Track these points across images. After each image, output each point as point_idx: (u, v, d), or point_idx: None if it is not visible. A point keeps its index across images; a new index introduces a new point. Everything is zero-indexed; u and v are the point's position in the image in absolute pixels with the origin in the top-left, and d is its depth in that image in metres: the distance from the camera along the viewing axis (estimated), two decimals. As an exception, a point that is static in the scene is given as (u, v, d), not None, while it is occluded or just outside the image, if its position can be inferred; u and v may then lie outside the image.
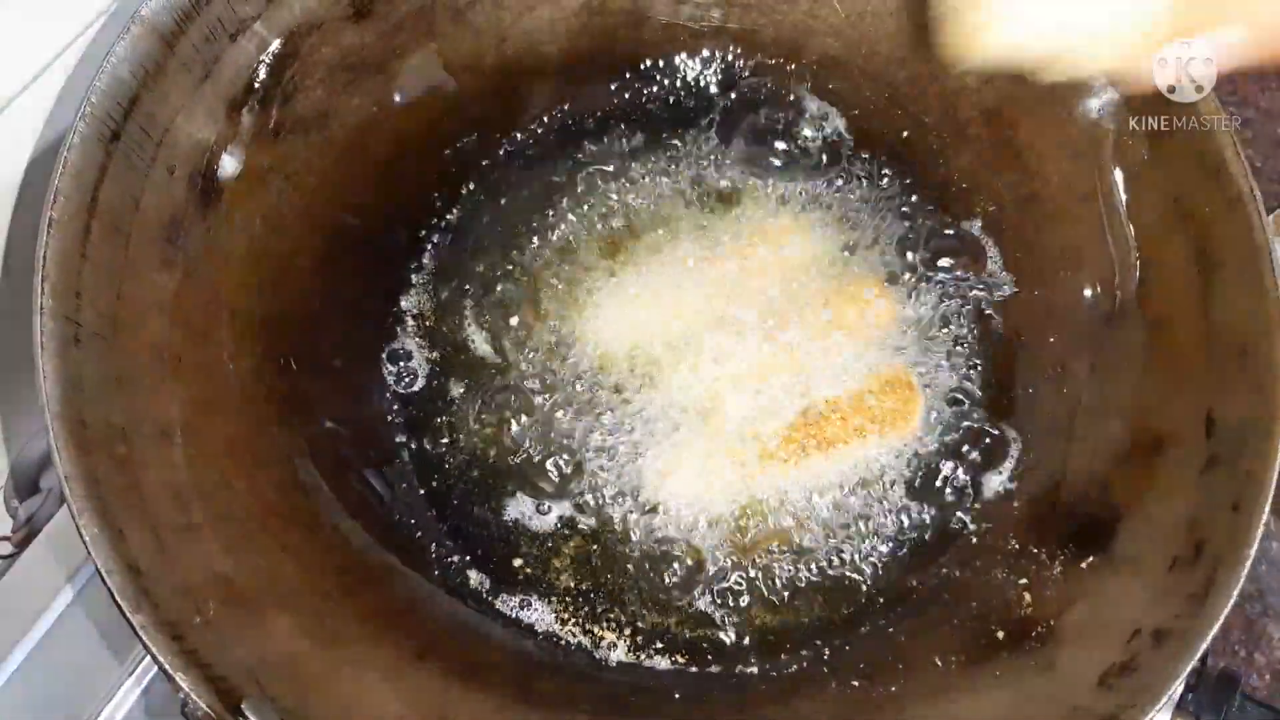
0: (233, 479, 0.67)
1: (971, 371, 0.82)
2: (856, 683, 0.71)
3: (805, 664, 0.73)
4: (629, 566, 0.76)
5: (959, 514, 0.77)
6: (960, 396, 0.81)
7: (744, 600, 0.75)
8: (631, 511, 0.77)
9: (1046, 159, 0.82)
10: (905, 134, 0.89)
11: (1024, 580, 0.72)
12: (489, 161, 0.89)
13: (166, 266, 0.67)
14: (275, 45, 0.74)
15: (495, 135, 0.89)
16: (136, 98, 0.65)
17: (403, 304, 0.84)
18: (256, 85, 0.73)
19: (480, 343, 0.83)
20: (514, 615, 0.74)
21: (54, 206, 0.60)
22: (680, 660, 0.74)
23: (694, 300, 0.83)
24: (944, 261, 0.85)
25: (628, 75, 0.92)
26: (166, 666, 0.54)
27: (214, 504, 0.64)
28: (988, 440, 0.80)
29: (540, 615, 0.75)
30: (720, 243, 0.85)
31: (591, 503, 0.78)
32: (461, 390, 0.82)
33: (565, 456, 0.79)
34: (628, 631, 0.74)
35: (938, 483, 0.78)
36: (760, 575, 0.76)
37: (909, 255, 0.86)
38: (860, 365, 0.81)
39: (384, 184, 0.86)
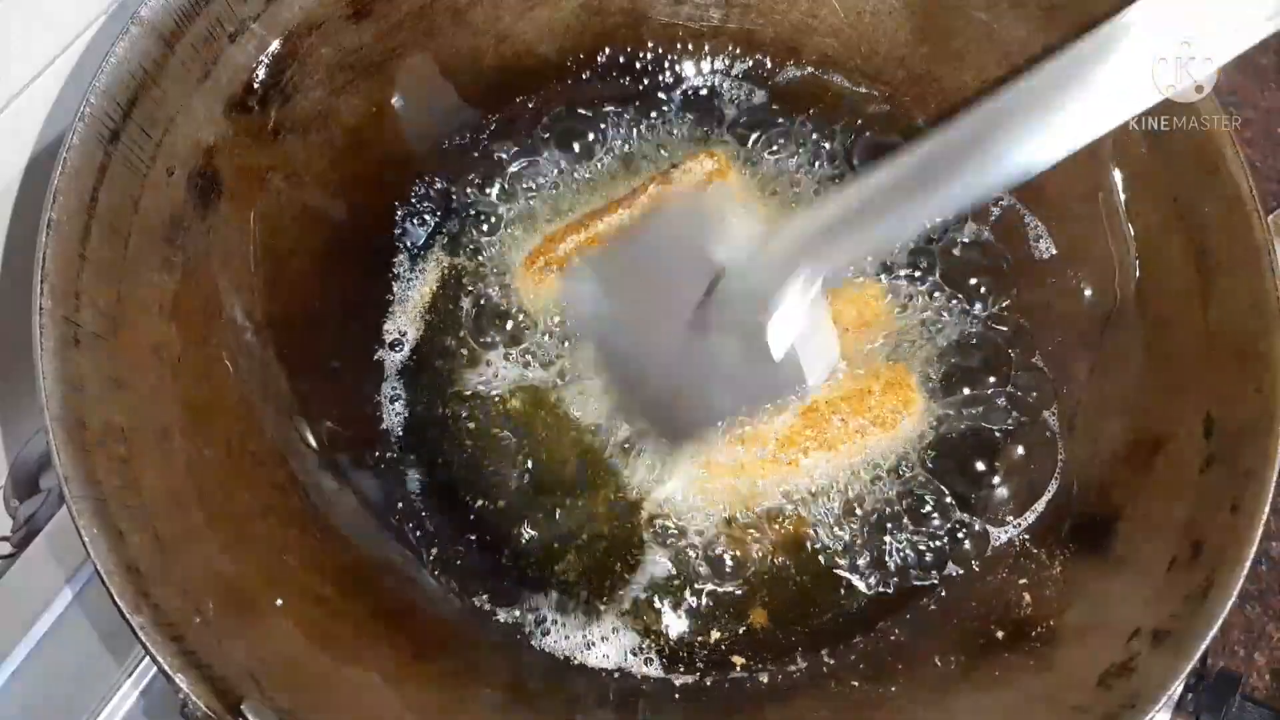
0: (232, 479, 0.67)
1: (972, 372, 0.82)
2: (856, 683, 0.71)
3: (806, 664, 0.73)
4: (628, 568, 0.76)
5: (959, 514, 0.77)
6: (960, 397, 0.81)
7: (744, 601, 0.75)
8: (631, 513, 0.77)
9: (1046, 159, 0.82)
10: (904, 134, 0.89)
11: (1024, 580, 0.72)
12: (488, 161, 0.89)
13: (166, 266, 0.67)
14: (275, 45, 0.74)
15: (494, 135, 0.89)
16: (136, 98, 0.65)
17: (402, 304, 0.84)
18: (256, 85, 0.73)
19: (478, 343, 0.83)
20: (513, 615, 0.74)
21: (53, 207, 0.60)
22: (680, 660, 0.74)
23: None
24: (944, 262, 0.85)
25: (627, 75, 0.92)
26: (166, 667, 0.54)
27: (214, 504, 0.64)
28: (987, 441, 0.80)
29: (540, 615, 0.74)
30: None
31: (591, 503, 0.78)
32: (459, 391, 0.81)
33: (563, 458, 0.79)
34: (628, 631, 0.74)
35: (938, 484, 0.78)
36: (761, 576, 0.76)
37: (908, 256, 0.86)
38: (860, 366, 0.80)
39: (383, 184, 0.86)
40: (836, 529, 0.77)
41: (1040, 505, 0.76)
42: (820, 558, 0.76)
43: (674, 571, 0.76)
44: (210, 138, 0.70)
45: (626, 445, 0.79)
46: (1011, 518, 0.76)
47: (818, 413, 0.78)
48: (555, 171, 0.89)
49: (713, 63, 0.92)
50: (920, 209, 0.63)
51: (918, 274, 0.85)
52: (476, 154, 0.89)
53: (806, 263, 0.64)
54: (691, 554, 0.76)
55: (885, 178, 0.63)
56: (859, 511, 0.77)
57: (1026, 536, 0.75)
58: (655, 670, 0.73)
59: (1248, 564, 0.59)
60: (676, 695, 0.72)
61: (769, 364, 0.66)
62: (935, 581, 0.75)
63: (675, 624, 0.75)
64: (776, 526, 0.77)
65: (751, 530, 0.77)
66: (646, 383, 0.77)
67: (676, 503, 0.77)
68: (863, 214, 0.64)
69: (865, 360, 0.81)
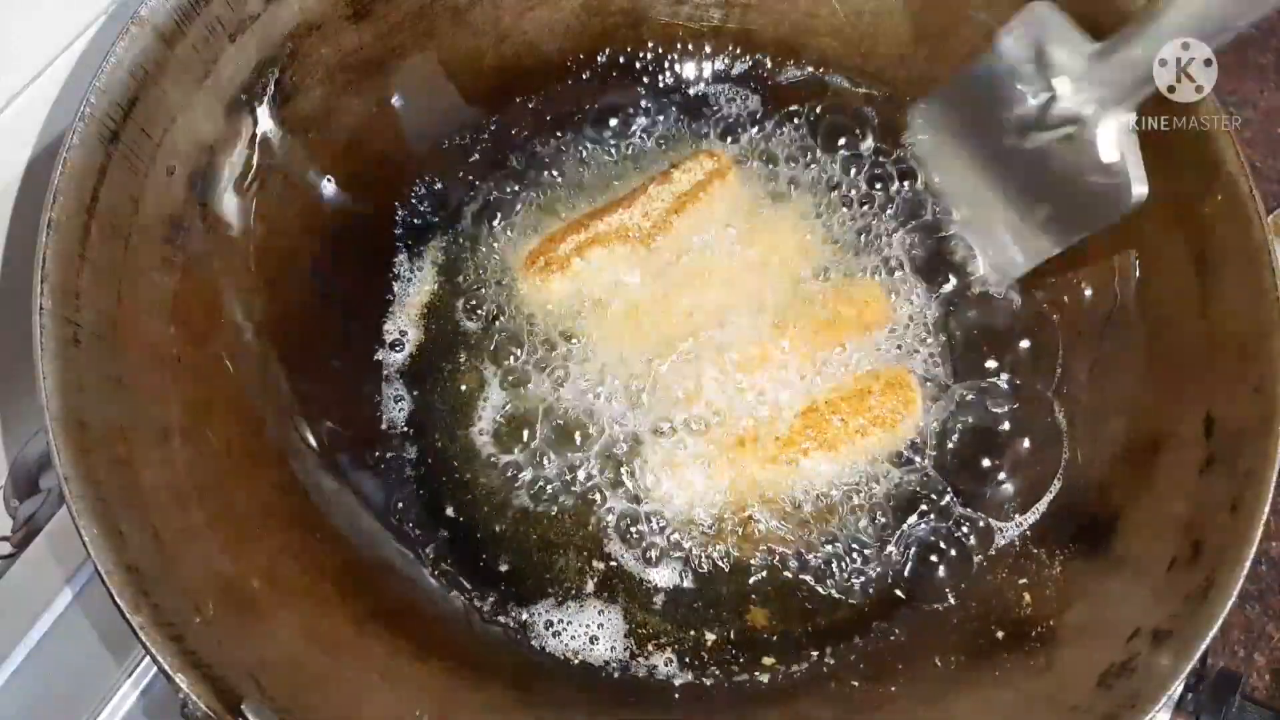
0: (232, 479, 0.67)
1: (972, 371, 0.82)
2: (856, 683, 0.71)
3: (806, 664, 0.73)
4: (629, 568, 0.76)
5: (958, 514, 0.77)
6: (960, 397, 0.81)
7: (744, 601, 0.75)
8: (631, 515, 0.77)
9: (1046, 159, 0.82)
10: (904, 133, 0.89)
11: (1024, 580, 0.72)
12: (488, 161, 0.89)
13: (166, 266, 0.67)
14: (275, 45, 0.74)
15: (494, 135, 0.89)
16: (136, 98, 0.65)
17: (402, 304, 0.84)
18: (256, 85, 0.73)
19: (478, 344, 0.83)
20: (513, 615, 0.74)
21: (54, 207, 0.60)
22: (680, 661, 0.73)
23: (694, 302, 0.82)
24: (944, 264, 0.85)
25: (627, 75, 0.91)
26: (166, 667, 0.54)
27: (214, 504, 0.64)
28: (989, 441, 0.80)
29: (540, 615, 0.74)
30: (719, 243, 0.85)
31: (589, 506, 0.78)
32: (460, 390, 0.81)
33: (563, 458, 0.79)
34: (627, 632, 0.74)
35: (937, 484, 0.78)
36: (760, 577, 0.76)
37: (908, 255, 0.86)
38: (860, 366, 0.81)
39: (383, 184, 0.86)
40: (837, 529, 0.77)
41: (1041, 505, 0.76)
42: (820, 558, 0.76)
43: (674, 572, 0.76)
44: (210, 137, 0.70)
45: (629, 447, 0.79)
46: (1013, 517, 0.76)
47: (818, 413, 0.78)
48: (555, 172, 0.89)
49: (713, 63, 0.92)
50: None
51: (917, 274, 0.85)
52: (476, 154, 0.89)
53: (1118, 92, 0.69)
54: (692, 555, 0.76)
55: None
56: (860, 512, 0.77)
57: (1027, 536, 0.75)
58: (655, 670, 0.73)
59: (1248, 564, 0.59)
60: (677, 695, 0.72)
61: (1101, 174, 0.71)
62: (935, 581, 0.75)
63: (676, 625, 0.75)
64: (777, 526, 0.77)
65: (752, 531, 0.76)
66: (992, 204, 0.81)
67: (677, 504, 0.77)
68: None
69: (865, 360, 0.81)
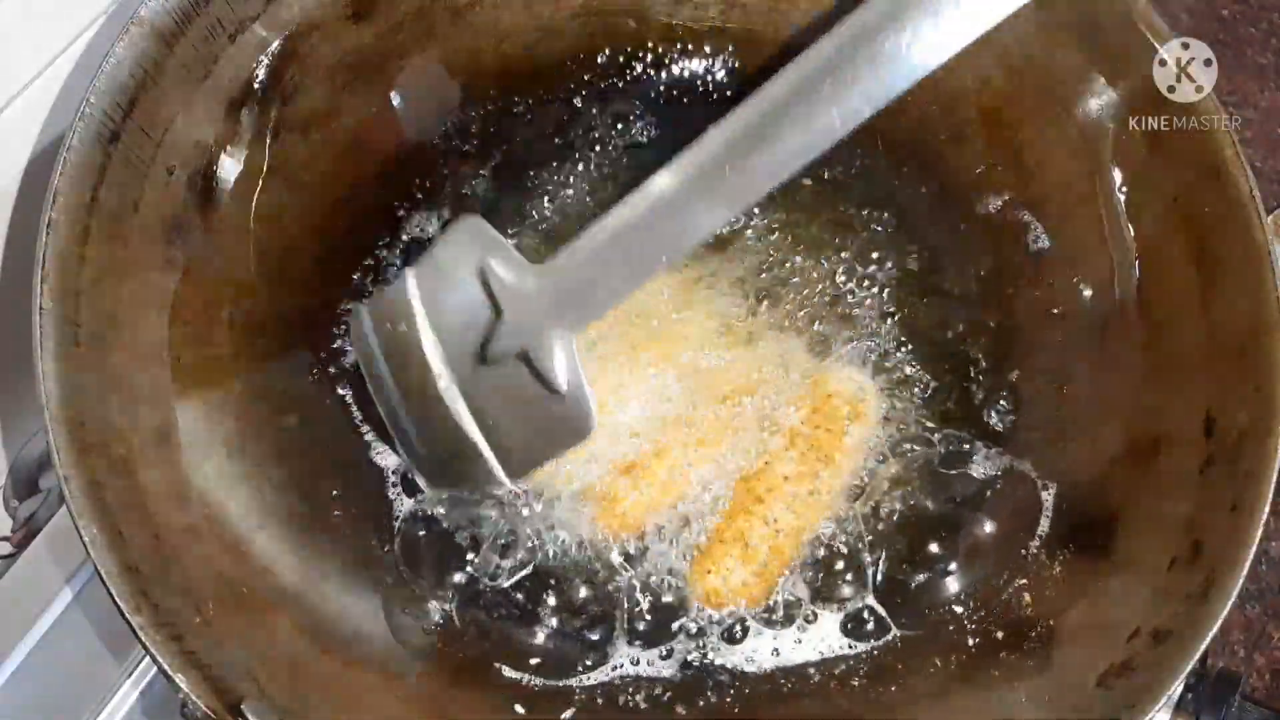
0: (233, 479, 0.67)
1: (971, 372, 0.82)
2: (856, 683, 0.71)
3: (805, 664, 0.73)
4: (629, 572, 0.76)
5: (957, 515, 0.77)
6: (959, 397, 0.81)
7: (744, 602, 0.75)
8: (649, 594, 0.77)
9: (1046, 159, 0.82)
10: (903, 133, 0.89)
11: (1024, 580, 0.72)
12: (488, 162, 0.89)
13: (166, 266, 0.67)
14: (275, 45, 0.74)
15: (494, 136, 0.89)
16: (136, 98, 0.65)
17: (402, 304, 0.84)
18: (256, 85, 0.73)
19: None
20: (515, 616, 0.74)
21: (53, 207, 0.60)
22: (680, 661, 0.74)
23: (679, 323, 0.82)
24: (943, 261, 0.85)
25: (627, 75, 0.91)
26: (166, 667, 0.54)
27: (214, 504, 0.64)
28: (987, 441, 0.80)
29: (539, 616, 0.74)
30: (711, 247, 0.85)
31: (588, 511, 0.77)
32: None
33: (561, 464, 0.79)
34: (625, 633, 0.74)
35: (937, 485, 0.78)
36: (768, 580, 0.76)
37: (908, 255, 0.86)
38: (801, 374, 0.80)
39: (383, 184, 0.86)
40: (834, 528, 0.77)
41: (1040, 505, 0.76)
42: (819, 558, 0.76)
43: (674, 576, 0.76)
44: (211, 137, 0.71)
45: (661, 575, 0.78)
46: (1011, 517, 0.76)
47: (804, 436, 0.78)
48: (555, 173, 0.89)
49: (713, 63, 0.92)
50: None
51: (916, 273, 0.85)
52: (477, 154, 0.89)
53: (564, 315, 0.64)
54: (692, 561, 0.76)
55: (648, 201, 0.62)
56: (857, 510, 0.77)
57: (1027, 536, 0.75)
58: (654, 671, 0.73)
59: (1248, 564, 0.60)
60: (677, 698, 0.72)
61: (557, 401, 0.65)
62: (935, 581, 0.75)
63: (677, 627, 0.75)
64: (780, 527, 0.77)
65: (754, 532, 0.76)
66: (433, 430, 0.71)
67: (680, 509, 0.77)
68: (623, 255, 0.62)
69: (804, 373, 0.81)
